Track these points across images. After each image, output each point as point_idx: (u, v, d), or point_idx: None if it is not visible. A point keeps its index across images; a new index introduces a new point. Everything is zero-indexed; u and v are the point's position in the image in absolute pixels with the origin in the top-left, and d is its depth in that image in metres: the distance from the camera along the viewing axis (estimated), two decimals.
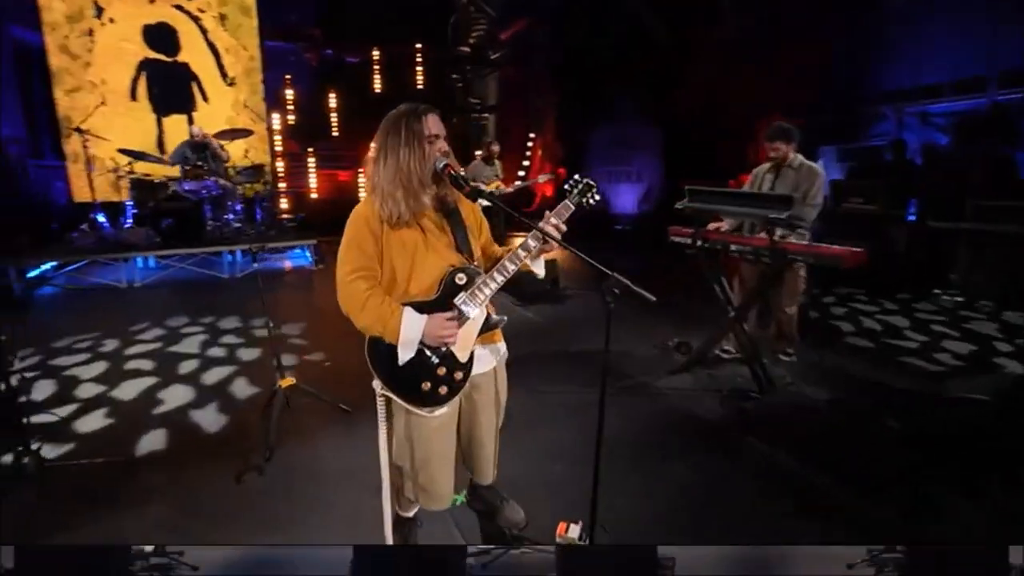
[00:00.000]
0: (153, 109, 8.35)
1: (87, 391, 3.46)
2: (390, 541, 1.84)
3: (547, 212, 1.68)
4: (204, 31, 8.61)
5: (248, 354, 4.03)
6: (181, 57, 8.48)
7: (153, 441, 2.89)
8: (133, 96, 8.25)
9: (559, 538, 1.93)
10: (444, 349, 1.61)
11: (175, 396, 3.39)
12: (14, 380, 2.76)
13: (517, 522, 2.09)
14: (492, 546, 2.02)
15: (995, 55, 6.48)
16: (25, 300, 5.38)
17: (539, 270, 1.72)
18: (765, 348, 3.60)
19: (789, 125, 3.59)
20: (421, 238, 1.59)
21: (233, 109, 8.77)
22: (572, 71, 9.86)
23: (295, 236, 7.18)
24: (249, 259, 6.56)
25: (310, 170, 8.94)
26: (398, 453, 1.75)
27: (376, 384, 1.65)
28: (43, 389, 3.48)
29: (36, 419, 2.99)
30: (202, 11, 8.56)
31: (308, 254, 7.07)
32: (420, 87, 10.10)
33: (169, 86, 8.39)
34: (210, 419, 3.12)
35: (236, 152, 8.05)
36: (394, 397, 1.64)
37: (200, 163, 6.57)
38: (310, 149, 8.96)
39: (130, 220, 6.90)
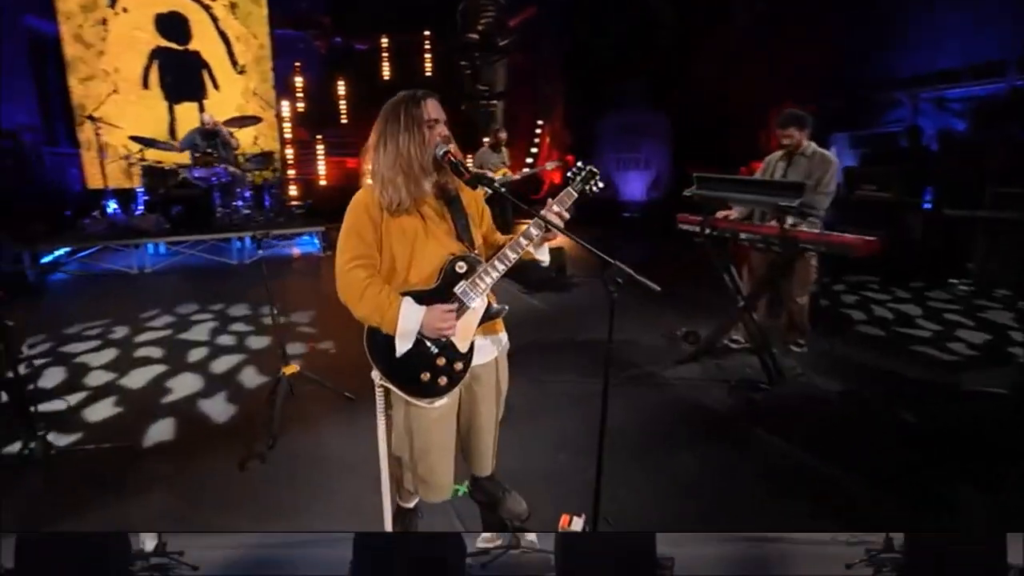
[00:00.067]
0: (165, 97, 8.35)
1: (96, 378, 3.43)
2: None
3: (549, 200, 1.62)
4: (215, 19, 8.56)
5: (256, 342, 3.99)
6: (192, 45, 8.45)
7: (159, 428, 2.86)
8: (145, 84, 8.25)
9: (562, 531, 1.89)
10: (444, 339, 1.55)
11: (183, 384, 3.36)
12: (23, 368, 2.72)
13: (519, 514, 2.04)
14: (491, 546, 1.97)
15: (1014, 39, 6.18)
16: (38, 285, 5.37)
17: (543, 258, 1.67)
18: (775, 338, 3.48)
19: (802, 112, 3.46)
20: (421, 226, 1.53)
21: (243, 97, 8.73)
22: (581, 58, 9.63)
23: (303, 223, 7.13)
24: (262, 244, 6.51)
25: (319, 157, 8.85)
26: (397, 444, 1.70)
27: (375, 375, 1.60)
28: (52, 376, 3.46)
29: (45, 406, 2.97)
30: (213, 0, 8.44)
31: (316, 241, 7.03)
32: (428, 74, 9.98)
33: (180, 74, 8.38)
34: (216, 407, 3.08)
35: (245, 139, 8.03)
36: (393, 388, 1.58)
37: (210, 150, 6.54)
38: (319, 136, 8.88)
39: (141, 207, 6.90)
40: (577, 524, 1.89)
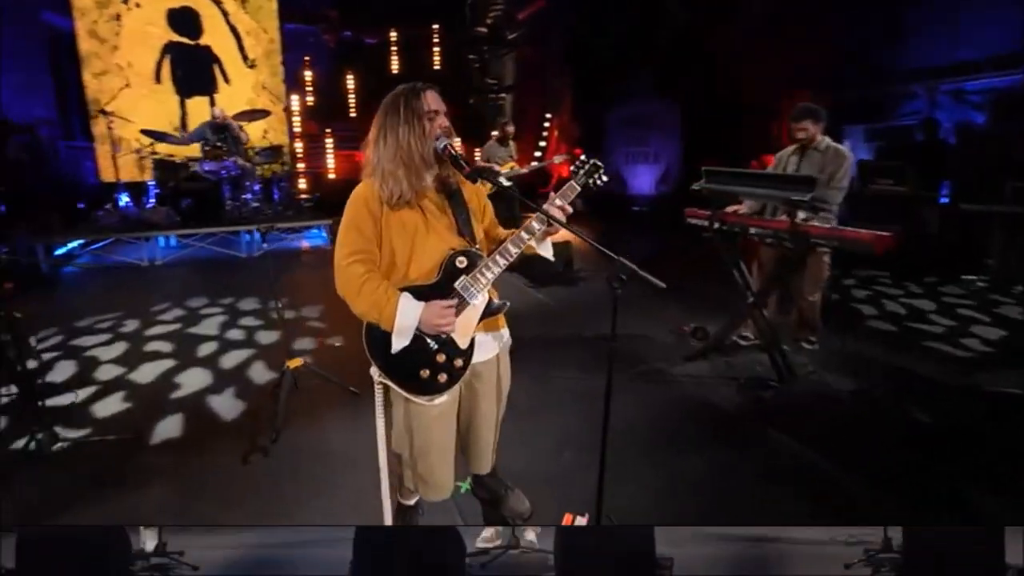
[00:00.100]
0: (176, 91, 8.36)
1: (105, 372, 3.42)
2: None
3: (552, 193, 1.58)
4: (226, 14, 8.55)
5: (264, 336, 3.96)
6: (203, 40, 8.46)
7: (163, 421, 2.84)
8: (158, 79, 8.27)
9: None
10: (443, 336, 1.51)
11: (190, 377, 3.35)
12: (31, 362, 2.71)
13: (521, 512, 1.99)
14: (491, 546, 1.94)
15: None
16: (52, 277, 5.39)
17: (546, 253, 1.62)
18: (785, 335, 3.38)
19: (816, 105, 3.36)
20: (421, 220, 1.49)
21: (253, 91, 8.74)
22: (589, 51, 9.48)
23: (312, 216, 7.11)
24: (269, 237, 6.49)
25: (328, 151, 8.81)
26: (397, 442, 1.67)
27: (373, 371, 1.56)
28: (62, 368, 3.46)
29: (53, 399, 2.95)
30: None
31: (324, 234, 7.01)
32: (437, 67, 9.90)
33: (192, 68, 8.40)
34: (221, 401, 3.06)
35: (255, 133, 8.02)
36: (391, 385, 1.54)
37: (220, 144, 6.54)
38: (328, 130, 8.84)
39: (153, 200, 6.93)
40: (580, 523, 1.86)
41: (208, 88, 8.47)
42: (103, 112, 7.62)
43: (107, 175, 7.70)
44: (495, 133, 6.40)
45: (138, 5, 8.01)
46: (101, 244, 6.21)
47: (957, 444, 2.53)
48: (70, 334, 3.98)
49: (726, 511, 2.16)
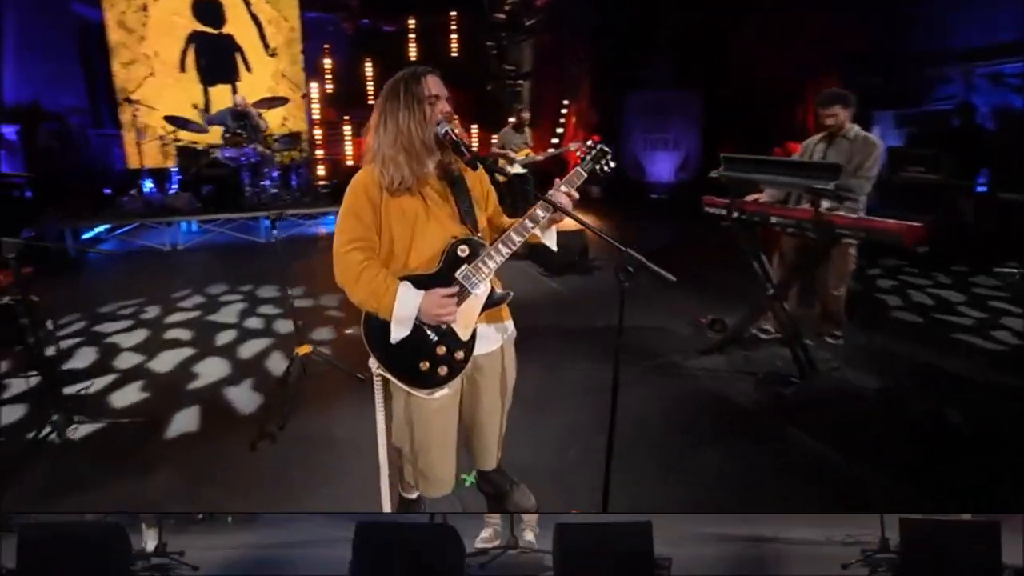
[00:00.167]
0: (200, 80, 8.41)
1: (124, 359, 3.41)
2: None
3: (557, 180, 1.51)
4: (247, 3, 8.54)
5: (282, 324, 3.91)
6: (226, 29, 8.49)
7: (175, 403, 2.81)
8: (182, 67, 8.33)
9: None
10: (444, 327, 1.43)
11: (205, 361, 3.32)
12: (49, 349, 2.69)
13: (527, 508, 1.91)
14: (490, 546, 1.89)
15: None
16: (78, 261, 5.44)
17: (551, 242, 1.55)
18: (808, 328, 3.19)
19: (845, 90, 3.16)
20: (422, 207, 1.43)
21: (273, 79, 8.76)
22: (608, 35, 9.17)
23: (329, 202, 7.08)
24: (286, 224, 6.49)
25: (346, 138, 8.76)
26: (398, 435, 1.61)
27: (372, 363, 1.50)
28: (81, 355, 3.46)
29: (70, 384, 2.95)
30: None
31: None
32: (455, 54, 9.74)
33: (215, 57, 8.45)
34: (238, 389, 3.02)
35: (274, 120, 8.04)
36: (390, 377, 1.48)
37: (240, 131, 6.57)
38: (346, 117, 8.78)
39: (175, 186, 7.01)
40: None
41: (231, 76, 8.51)
42: (128, 100, 7.70)
43: (133, 162, 7.80)
44: (511, 120, 6.28)
45: None
46: (126, 229, 6.28)
47: (987, 444, 2.37)
48: (92, 319, 4.00)
49: (738, 510, 2.02)
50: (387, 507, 1.67)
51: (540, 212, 1.44)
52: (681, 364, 3.13)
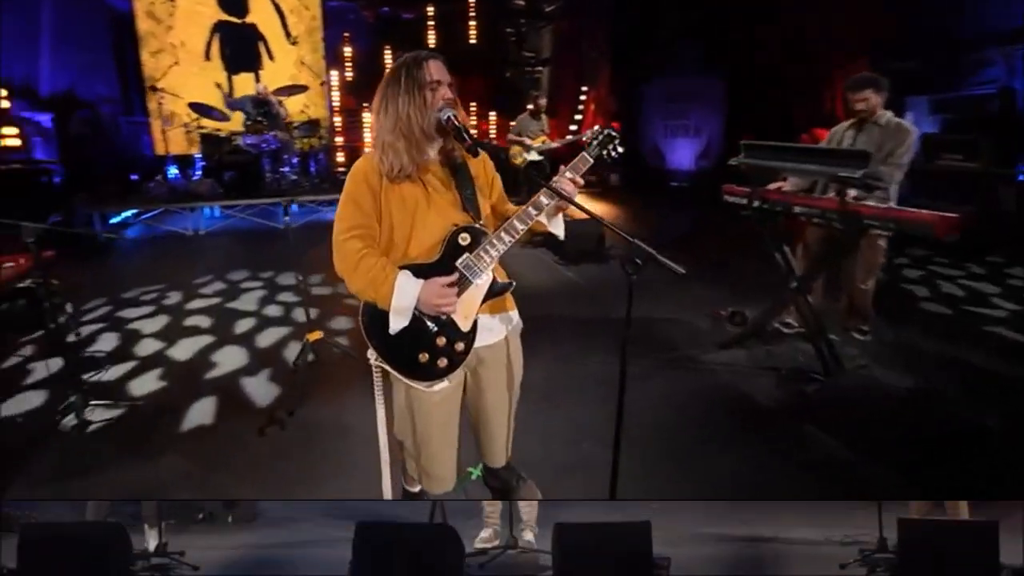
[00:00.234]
0: (224, 68, 8.48)
1: (142, 335, 3.43)
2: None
3: (562, 166, 1.43)
4: None
5: (300, 312, 3.85)
6: (250, 18, 8.53)
7: (187, 390, 2.79)
8: (207, 56, 8.40)
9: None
10: (444, 317, 1.37)
11: (226, 353, 3.29)
12: (71, 336, 2.68)
13: (532, 499, 1.87)
14: (489, 546, 1.86)
15: None
16: (105, 245, 5.51)
17: (557, 230, 1.48)
18: (834, 323, 2.99)
19: (877, 75, 2.97)
20: (423, 194, 1.38)
21: (295, 67, 8.78)
22: (628, 21, 8.85)
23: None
24: (304, 211, 6.48)
25: (365, 125, 8.71)
26: (399, 428, 1.55)
27: (371, 354, 1.43)
28: (100, 336, 3.46)
29: (87, 365, 2.95)
30: None
31: None
32: (473, 41, 9.60)
33: (239, 46, 8.51)
34: (254, 376, 2.98)
35: (295, 108, 8.07)
36: (389, 369, 1.42)
37: (260, 118, 6.60)
38: (365, 104, 8.72)
39: (199, 172, 7.10)
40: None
41: (254, 65, 8.56)
42: (154, 88, 7.82)
43: (159, 149, 7.93)
44: (529, 107, 6.18)
45: None
46: (151, 214, 6.36)
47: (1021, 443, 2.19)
48: (115, 304, 4.01)
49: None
50: (388, 495, 1.62)
51: (544, 199, 1.36)
52: (698, 358, 3.00)
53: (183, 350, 3.24)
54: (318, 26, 8.74)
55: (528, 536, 1.99)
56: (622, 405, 1.38)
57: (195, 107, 7.07)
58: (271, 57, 8.60)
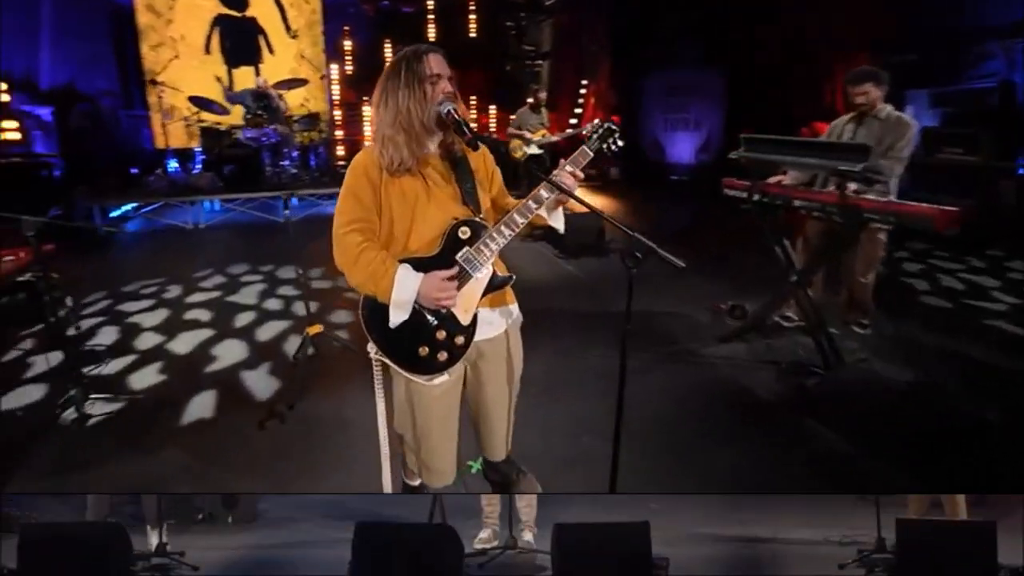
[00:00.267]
0: (225, 62, 8.40)
1: (146, 339, 3.39)
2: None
3: (562, 160, 1.43)
4: None
5: (300, 306, 3.82)
6: (250, 12, 8.46)
7: (190, 385, 2.76)
8: (207, 50, 8.32)
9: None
10: (444, 311, 1.36)
11: (228, 349, 3.25)
12: (71, 329, 2.65)
13: (532, 492, 1.90)
14: (488, 546, 1.87)
15: None
16: (105, 239, 5.46)
17: (557, 224, 1.47)
18: (833, 316, 2.98)
19: (877, 68, 2.96)
20: (423, 188, 1.37)
21: (295, 60, 8.71)
22: (628, 14, 8.75)
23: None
24: (304, 204, 6.43)
25: (365, 118, 8.64)
26: (399, 421, 1.55)
27: (371, 347, 1.42)
28: (99, 329, 3.44)
29: (88, 358, 2.94)
30: None
31: None
32: (473, 35, 9.52)
33: (239, 40, 8.43)
34: (254, 370, 2.96)
35: (295, 101, 8.02)
36: (388, 362, 1.41)
37: (260, 112, 6.57)
38: (365, 98, 8.64)
39: (199, 166, 7.07)
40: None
41: (254, 58, 8.48)
42: (153, 82, 7.76)
43: (159, 142, 7.87)
44: (529, 100, 6.15)
45: None
46: (152, 207, 6.33)
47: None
48: (115, 298, 3.99)
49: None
50: (388, 489, 1.61)
51: (544, 193, 1.35)
52: (698, 351, 2.98)
53: (183, 344, 3.21)
54: (318, 20, 8.66)
55: (527, 536, 1.98)
56: (622, 399, 1.37)
57: (195, 101, 7.03)
58: (271, 51, 8.53)
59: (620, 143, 1.42)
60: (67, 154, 6.59)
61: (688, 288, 3.73)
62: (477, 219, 1.37)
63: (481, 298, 1.38)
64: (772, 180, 3.01)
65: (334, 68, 8.62)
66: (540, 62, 9.09)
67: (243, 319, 3.59)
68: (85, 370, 2.71)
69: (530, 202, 1.34)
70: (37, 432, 2.30)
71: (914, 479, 1.97)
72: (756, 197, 2.88)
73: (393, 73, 1.36)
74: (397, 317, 1.32)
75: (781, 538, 2.23)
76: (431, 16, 9.41)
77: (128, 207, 6.39)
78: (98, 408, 2.46)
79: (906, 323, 3.26)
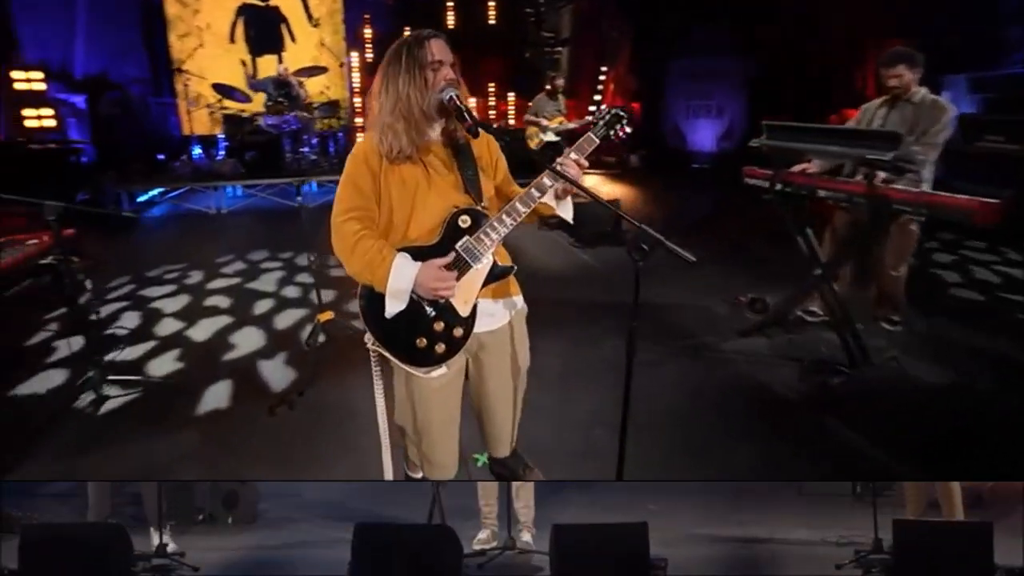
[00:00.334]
0: (249, 50, 8.47)
1: (166, 322, 3.38)
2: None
3: (566, 147, 1.39)
4: None
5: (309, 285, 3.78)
6: (273, 1, 8.49)
7: (205, 370, 2.75)
8: (232, 39, 8.40)
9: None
10: (442, 301, 1.30)
11: (245, 336, 3.22)
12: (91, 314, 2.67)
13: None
14: (488, 547, 1.85)
15: None
16: (129, 223, 5.53)
17: (566, 214, 1.40)
18: (861, 311, 2.81)
19: (912, 49, 2.76)
20: (423, 176, 1.32)
21: (316, 48, 8.72)
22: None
23: None
24: (321, 190, 6.41)
25: None
26: (400, 414, 1.50)
27: (368, 338, 1.38)
28: (117, 312, 3.47)
29: (108, 341, 2.95)
30: None
31: None
32: (492, 22, 9.34)
33: (262, 28, 8.49)
34: (267, 357, 2.93)
35: (315, 89, 8.03)
36: (385, 354, 1.36)
37: (281, 99, 6.63)
38: None
39: (222, 152, 7.14)
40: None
41: (277, 46, 8.52)
42: (179, 70, 7.85)
43: (185, 129, 7.98)
44: (547, 87, 6.02)
45: None
46: (177, 193, 6.41)
47: None
48: (138, 283, 4.00)
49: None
50: (389, 477, 1.59)
51: (547, 181, 1.29)
52: (715, 345, 2.84)
53: (201, 331, 3.20)
54: (339, 8, 8.65)
55: (526, 536, 1.96)
56: (629, 390, 1.33)
57: (218, 88, 7.10)
58: (293, 39, 8.54)
59: (628, 129, 1.36)
60: (98, 140, 6.72)
61: (706, 280, 3.58)
62: (478, 208, 1.32)
63: (482, 288, 1.32)
64: (796, 168, 2.83)
65: (354, 56, 8.58)
66: (559, 49, 8.91)
67: (262, 307, 3.56)
68: (104, 355, 2.71)
69: (533, 190, 1.29)
70: (54, 416, 2.30)
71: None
72: (778, 187, 2.72)
73: (394, 59, 1.32)
74: (393, 307, 1.27)
75: (779, 538, 2.20)
76: (450, 3, 9.26)
77: (155, 192, 6.49)
78: (115, 392, 2.46)
79: (938, 319, 3.04)
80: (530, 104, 6.09)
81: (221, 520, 2.43)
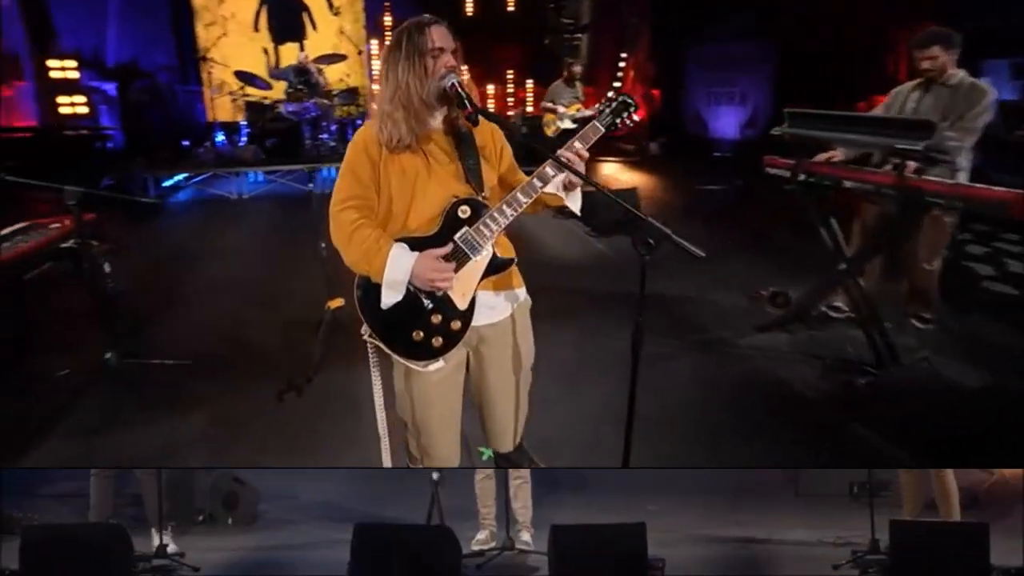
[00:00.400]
0: (272, 39, 8.51)
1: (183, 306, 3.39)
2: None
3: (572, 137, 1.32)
4: None
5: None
6: None
7: (216, 355, 2.74)
8: (256, 27, 8.45)
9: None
10: (440, 293, 1.25)
11: (259, 320, 3.21)
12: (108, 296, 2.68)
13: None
14: (486, 547, 1.81)
15: None
16: (152, 208, 5.59)
17: (574, 204, 1.35)
18: (890, 307, 2.64)
19: (948, 29, 2.55)
20: (424, 165, 1.28)
21: (336, 37, 8.71)
22: None
23: None
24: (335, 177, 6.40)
25: None
26: (399, 407, 1.46)
27: (364, 330, 1.34)
28: (135, 295, 3.42)
29: (125, 324, 2.91)
30: None
31: None
32: (511, 8, 9.14)
33: (285, 17, 8.50)
34: (268, 339, 2.92)
35: (335, 76, 8.02)
36: (382, 346, 1.32)
37: (301, 87, 6.64)
38: None
39: (244, 138, 7.17)
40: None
41: (299, 35, 8.52)
42: (204, 58, 7.93)
43: (209, 116, 8.07)
44: (564, 74, 5.87)
45: None
46: (200, 178, 6.48)
47: None
48: (155, 267, 4.03)
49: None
50: (388, 464, 1.55)
51: (549, 170, 1.23)
52: (733, 340, 2.72)
53: (217, 315, 3.20)
54: None
55: (524, 537, 1.92)
56: (635, 384, 1.30)
57: (240, 76, 7.14)
58: (314, 27, 8.54)
59: (635, 117, 1.31)
60: (127, 127, 6.83)
61: (724, 272, 3.42)
62: (478, 198, 1.26)
63: (481, 280, 1.26)
64: (821, 157, 2.66)
65: (374, 43, 8.55)
66: (579, 35, 8.65)
67: (273, 291, 3.55)
68: (117, 337, 2.70)
69: (535, 180, 1.23)
70: (65, 400, 2.31)
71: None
72: (801, 177, 2.56)
73: (395, 46, 1.27)
74: (389, 298, 1.22)
75: (776, 539, 2.16)
76: None
77: (179, 177, 6.58)
78: (128, 375, 2.46)
79: (971, 316, 2.84)
80: (546, 91, 5.96)
81: (221, 521, 2.42)
